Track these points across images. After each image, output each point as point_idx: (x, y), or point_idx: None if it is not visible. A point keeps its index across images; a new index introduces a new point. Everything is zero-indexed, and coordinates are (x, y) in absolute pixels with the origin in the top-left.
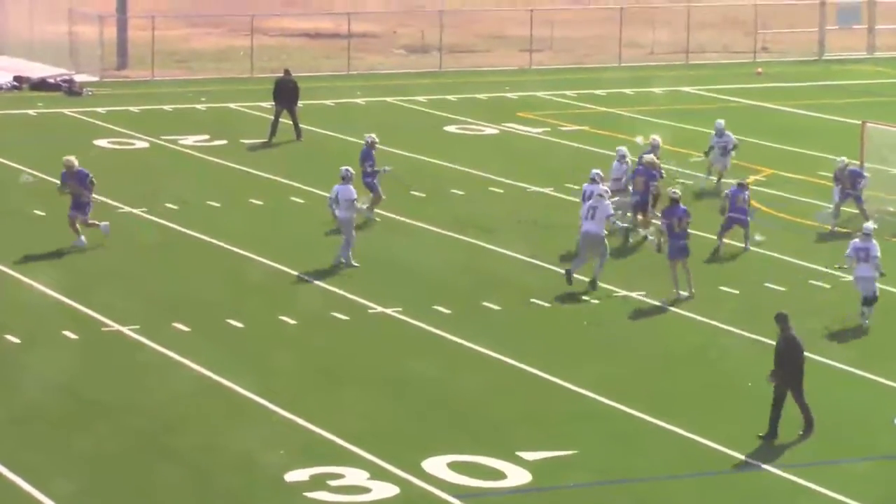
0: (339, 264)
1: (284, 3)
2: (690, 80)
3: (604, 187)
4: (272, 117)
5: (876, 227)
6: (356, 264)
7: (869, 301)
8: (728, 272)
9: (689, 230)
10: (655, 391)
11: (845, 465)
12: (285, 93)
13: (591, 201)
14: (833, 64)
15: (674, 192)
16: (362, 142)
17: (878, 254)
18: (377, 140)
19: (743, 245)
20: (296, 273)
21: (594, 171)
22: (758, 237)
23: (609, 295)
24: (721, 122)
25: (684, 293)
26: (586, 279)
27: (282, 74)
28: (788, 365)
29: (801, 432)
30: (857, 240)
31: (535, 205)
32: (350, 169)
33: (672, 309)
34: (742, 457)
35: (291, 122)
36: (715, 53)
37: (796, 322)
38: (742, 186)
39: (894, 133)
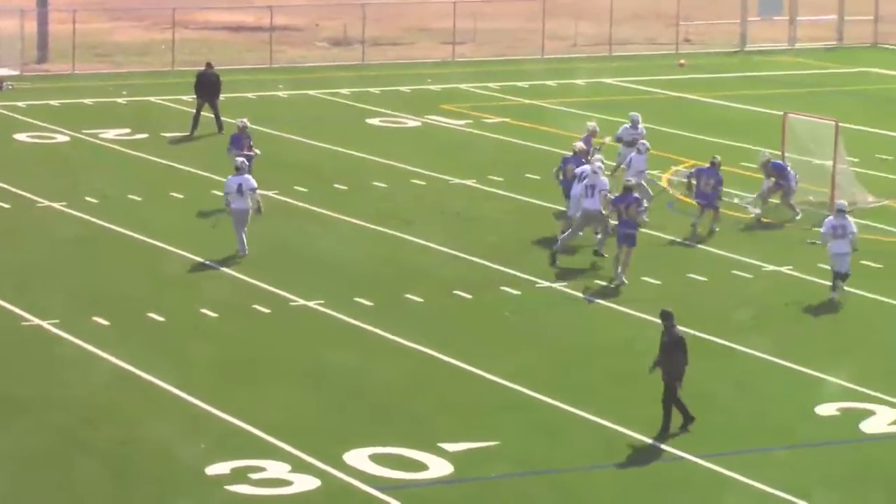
0: (239, 255)
1: None
2: (613, 71)
3: (599, 164)
4: (194, 111)
5: (848, 206)
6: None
7: (842, 276)
8: (651, 262)
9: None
10: (576, 382)
11: (766, 453)
12: (207, 86)
13: (587, 179)
14: (755, 55)
15: (627, 180)
16: (285, 135)
17: (855, 230)
18: (248, 124)
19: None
20: (217, 266)
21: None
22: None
23: (532, 286)
24: (637, 115)
25: (624, 279)
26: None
27: (203, 67)
28: (671, 363)
29: (679, 428)
30: (831, 217)
31: (458, 197)
32: (245, 160)
33: (593, 300)
34: (664, 446)
35: (213, 116)
36: (637, 45)
37: (718, 311)
38: (714, 167)
39: (815, 124)
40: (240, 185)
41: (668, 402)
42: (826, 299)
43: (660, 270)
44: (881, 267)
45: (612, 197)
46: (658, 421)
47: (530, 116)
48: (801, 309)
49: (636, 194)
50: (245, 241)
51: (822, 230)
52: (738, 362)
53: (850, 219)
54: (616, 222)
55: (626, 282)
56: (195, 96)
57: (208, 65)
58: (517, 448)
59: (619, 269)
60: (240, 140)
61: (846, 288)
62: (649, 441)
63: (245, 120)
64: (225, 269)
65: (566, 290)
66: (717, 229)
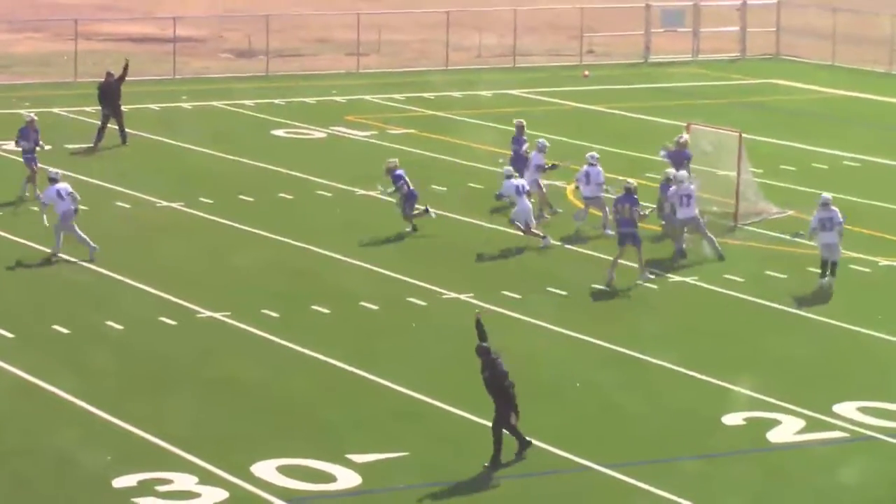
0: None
1: (108, 7)
2: (517, 83)
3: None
4: (98, 122)
5: (830, 197)
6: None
7: (833, 265)
8: (555, 273)
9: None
10: (482, 392)
11: (675, 463)
12: (109, 95)
13: (682, 189)
14: (658, 67)
15: (628, 183)
16: (190, 146)
17: (842, 220)
18: (36, 118)
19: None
20: (122, 278)
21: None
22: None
23: (439, 297)
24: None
25: (639, 281)
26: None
27: (104, 77)
28: (498, 395)
29: (515, 454)
30: (818, 211)
31: (364, 208)
32: (58, 171)
33: (499, 310)
34: (570, 456)
35: (117, 126)
36: (541, 56)
37: (627, 322)
38: (629, 192)
39: (719, 135)
40: (58, 192)
41: (498, 428)
42: (738, 311)
43: (566, 281)
44: (786, 277)
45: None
46: (564, 429)
47: (435, 127)
48: (707, 320)
49: (635, 196)
50: (86, 237)
51: (810, 223)
52: (647, 373)
53: (836, 209)
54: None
55: (644, 277)
56: (100, 107)
57: (109, 74)
58: (425, 458)
59: (613, 271)
60: (27, 133)
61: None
62: (555, 451)
63: (33, 114)
64: (130, 282)
65: (473, 301)
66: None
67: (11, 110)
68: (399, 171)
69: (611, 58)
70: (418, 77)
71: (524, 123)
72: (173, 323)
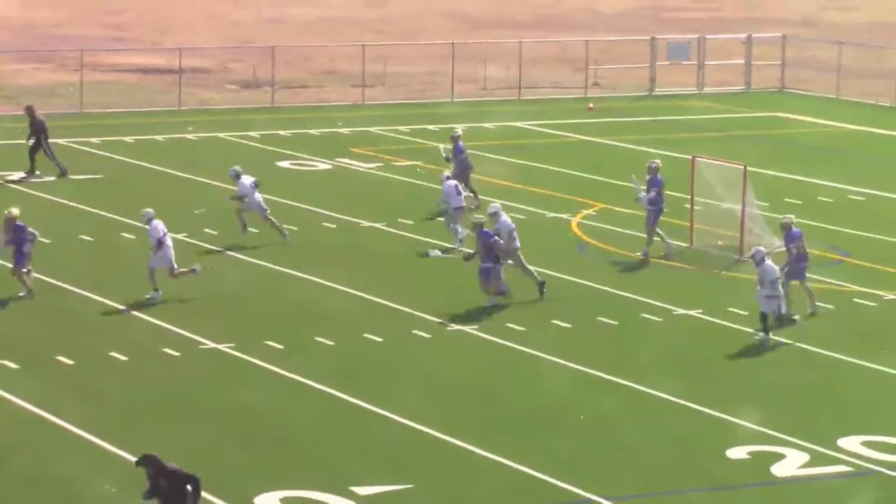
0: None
1: (115, 38)
2: (523, 115)
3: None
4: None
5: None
6: None
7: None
8: (559, 306)
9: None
10: (487, 424)
11: (676, 495)
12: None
13: None
14: (664, 99)
15: (787, 218)
16: (195, 177)
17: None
18: None
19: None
20: (126, 309)
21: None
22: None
23: (443, 329)
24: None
25: (797, 317)
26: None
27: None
28: None
29: None
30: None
31: (369, 239)
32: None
33: (499, 341)
34: (576, 489)
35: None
36: (547, 89)
37: (629, 353)
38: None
39: (724, 168)
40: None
41: None
42: (741, 343)
43: (568, 314)
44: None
45: None
46: (567, 461)
47: (440, 159)
48: (711, 352)
49: (797, 230)
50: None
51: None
52: (648, 404)
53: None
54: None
55: (813, 310)
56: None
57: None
58: (429, 491)
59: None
60: None
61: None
62: (560, 484)
63: None
64: (134, 313)
65: (477, 333)
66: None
67: (17, 140)
68: (461, 144)
69: (616, 90)
70: (423, 109)
71: (460, 134)
72: (176, 354)
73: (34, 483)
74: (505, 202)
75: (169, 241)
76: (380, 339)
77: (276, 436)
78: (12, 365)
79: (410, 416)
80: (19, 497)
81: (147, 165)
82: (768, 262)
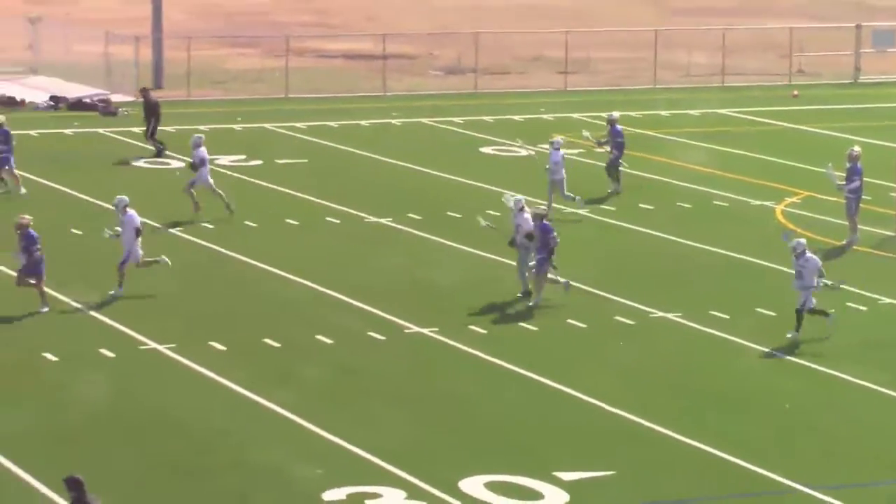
0: None
1: (320, 24)
2: (726, 102)
3: None
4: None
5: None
6: None
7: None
8: (764, 294)
9: None
10: (688, 411)
11: (880, 487)
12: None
13: None
14: (868, 87)
15: None
16: (399, 162)
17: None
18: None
19: None
20: (330, 292)
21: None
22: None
23: (646, 315)
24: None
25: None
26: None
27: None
28: None
29: None
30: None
31: (569, 226)
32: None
33: (707, 330)
34: (777, 477)
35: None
36: (750, 76)
37: (830, 341)
38: None
39: None
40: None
41: None
42: None
43: (774, 302)
44: None
45: None
46: (768, 450)
47: (643, 146)
48: None
49: None
50: None
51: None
52: (848, 393)
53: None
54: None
55: None
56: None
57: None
58: (631, 478)
59: None
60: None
61: None
62: (762, 472)
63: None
64: (340, 296)
65: (677, 320)
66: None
67: (225, 125)
68: (619, 127)
69: (820, 78)
70: (626, 96)
71: (617, 117)
72: (382, 338)
73: (241, 468)
74: (707, 189)
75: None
76: (583, 325)
77: (479, 420)
78: (220, 347)
79: (610, 401)
80: (227, 481)
81: (351, 150)
82: (809, 254)
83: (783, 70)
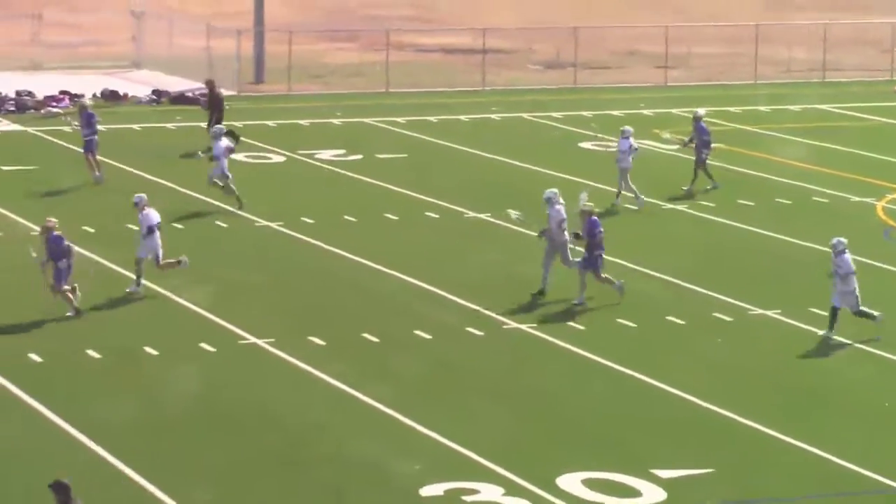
0: None
1: (420, 18)
2: (826, 97)
3: None
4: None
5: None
6: None
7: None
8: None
9: None
10: (787, 408)
11: None
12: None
13: None
14: None
15: None
16: (498, 157)
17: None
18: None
19: None
20: (429, 287)
21: None
22: None
23: (745, 313)
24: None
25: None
26: None
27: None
28: None
29: None
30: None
31: (667, 222)
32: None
33: (807, 328)
34: (872, 474)
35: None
36: (851, 71)
37: None
38: None
39: None
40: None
41: None
42: None
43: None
44: None
45: None
46: (870, 450)
47: (742, 142)
48: None
49: None
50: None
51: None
52: None
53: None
54: None
55: None
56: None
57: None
58: (731, 476)
59: None
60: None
61: None
62: (862, 471)
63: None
64: (439, 291)
65: (776, 317)
66: None
67: (325, 119)
68: (703, 124)
69: None
70: (726, 91)
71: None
72: (480, 333)
73: (339, 462)
74: (806, 185)
75: (158, 231)
76: (682, 322)
77: (577, 417)
78: (319, 341)
79: (708, 398)
80: (324, 475)
81: (450, 145)
82: (846, 255)
83: (884, 66)
